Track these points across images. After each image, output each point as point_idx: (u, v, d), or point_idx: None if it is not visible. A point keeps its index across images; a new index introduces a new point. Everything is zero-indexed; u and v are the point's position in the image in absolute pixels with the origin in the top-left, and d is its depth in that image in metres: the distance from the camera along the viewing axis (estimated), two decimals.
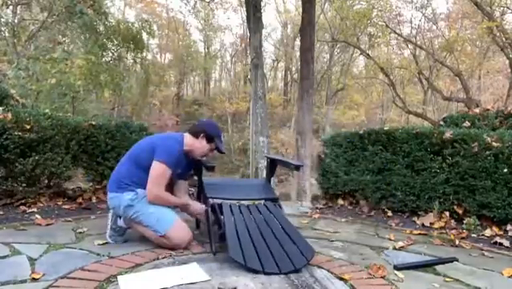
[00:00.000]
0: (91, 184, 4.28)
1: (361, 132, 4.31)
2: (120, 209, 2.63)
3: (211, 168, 2.88)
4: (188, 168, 2.91)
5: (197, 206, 2.85)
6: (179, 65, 22.81)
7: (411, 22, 17.95)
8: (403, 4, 17.71)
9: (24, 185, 3.68)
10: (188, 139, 2.75)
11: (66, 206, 3.64)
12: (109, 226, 2.70)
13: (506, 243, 3.03)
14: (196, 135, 2.75)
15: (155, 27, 15.81)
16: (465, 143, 3.57)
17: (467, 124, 4.31)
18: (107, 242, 2.65)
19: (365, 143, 4.21)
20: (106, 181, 4.15)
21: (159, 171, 2.56)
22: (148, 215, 2.57)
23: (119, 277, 2.10)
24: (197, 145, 2.75)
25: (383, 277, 2.25)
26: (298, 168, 3.09)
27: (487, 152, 3.43)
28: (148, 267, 2.25)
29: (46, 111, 4.10)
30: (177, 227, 2.56)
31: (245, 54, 22.96)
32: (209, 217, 2.70)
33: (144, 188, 2.59)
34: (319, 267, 2.36)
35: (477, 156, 3.48)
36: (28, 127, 3.47)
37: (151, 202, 2.59)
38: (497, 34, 12.54)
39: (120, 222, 2.69)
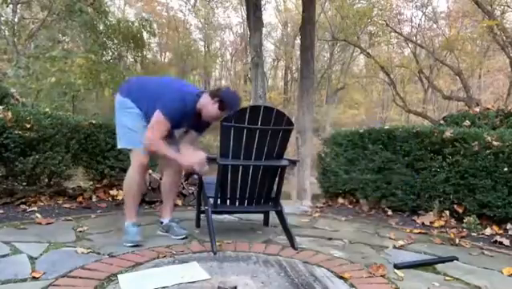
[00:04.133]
0: (91, 183, 4.28)
1: (361, 130, 4.31)
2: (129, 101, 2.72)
3: (213, 160, 2.72)
4: (197, 124, 2.85)
5: (192, 157, 2.69)
6: (179, 64, 22.82)
7: (411, 21, 17.96)
8: (403, 3, 17.68)
9: (24, 183, 3.68)
10: (204, 98, 2.69)
11: (66, 205, 3.65)
12: (127, 230, 2.67)
13: (506, 242, 3.04)
14: (213, 96, 2.67)
15: (155, 26, 15.78)
16: (465, 142, 3.57)
17: (467, 123, 4.31)
18: (107, 241, 2.65)
19: (365, 142, 4.21)
20: (106, 179, 4.17)
21: (157, 117, 2.58)
22: (128, 129, 2.72)
23: (119, 276, 2.10)
24: (209, 108, 2.67)
25: (383, 276, 2.25)
26: (294, 163, 3.07)
27: (487, 151, 3.43)
28: (149, 266, 2.25)
29: (47, 110, 4.11)
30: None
31: (245, 53, 22.96)
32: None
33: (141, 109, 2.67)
34: (319, 266, 2.36)
35: (478, 156, 3.48)
36: (28, 126, 3.47)
37: (146, 148, 2.63)
38: (498, 32, 12.53)
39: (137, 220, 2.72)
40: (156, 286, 1.97)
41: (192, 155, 2.68)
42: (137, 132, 2.65)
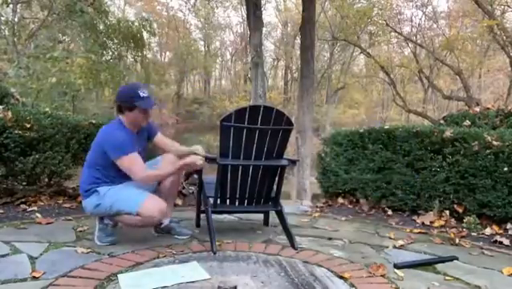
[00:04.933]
0: None
1: (361, 130, 4.31)
2: (95, 212, 2.60)
3: (212, 160, 2.71)
4: (149, 132, 2.80)
5: (188, 160, 2.64)
6: (179, 64, 22.85)
7: (411, 21, 17.97)
8: (403, 2, 17.69)
9: (24, 183, 3.68)
10: (122, 117, 2.62)
11: (66, 205, 3.64)
12: (96, 228, 2.65)
13: (506, 242, 3.04)
14: (120, 111, 2.61)
15: (155, 26, 15.78)
16: (465, 142, 3.57)
17: (467, 122, 4.31)
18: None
19: (365, 142, 4.21)
20: None
21: (124, 164, 2.49)
22: (119, 202, 2.52)
23: (119, 275, 2.10)
24: (131, 118, 2.60)
25: (383, 275, 2.25)
26: (294, 162, 3.06)
27: (487, 151, 3.43)
28: (149, 266, 2.26)
29: (47, 109, 4.10)
30: (149, 200, 2.50)
31: (245, 53, 22.97)
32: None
33: (109, 180, 2.56)
34: (319, 266, 2.37)
35: (478, 155, 3.48)
36: (28, 126, 3.46)
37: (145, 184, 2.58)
38: (498, 32, 12.54)
39: (106, 220, 2.64)
40: (155, 285, 1.97)
41: (190, 158, 2.66)
42: (127, 190, 2.56)
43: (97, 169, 2.58)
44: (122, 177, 2.56)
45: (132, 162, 2.51)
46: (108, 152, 2.51)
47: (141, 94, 2.55)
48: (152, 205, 2.48)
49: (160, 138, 2.87)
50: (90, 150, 2.69)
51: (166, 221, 2.84)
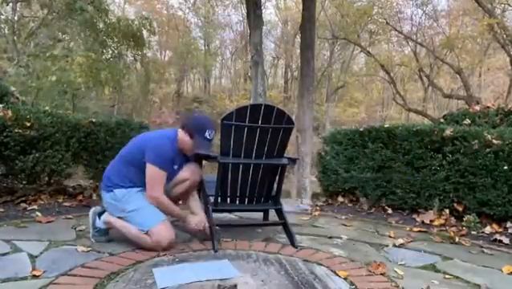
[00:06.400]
0: (91, 181, 4.29)
1: (361, 129, 4.31)
2: (108, 207, 2.62)
3: (213, 159, 2.70)
4: (187, 159, 2.78)
5: (196, 219, 2.67)
6: (179, 62, 22.80)
7: (411, 20, 17.93)
8: (403, 1, 17.65)
9: (24, 182, 3.68)
10: (179, 133, 2.62)
11: (66, 204, 3.65)
12: (91, 226, 2.65)
13: (506, 240, 3.04)
14: (182, 128, 2.61)
15: (155, 24, 15.76)
16: (465, 140, 3.57)
17: (467, 121, 4.31)
18: (107, 240, 2.65)
19: (365, 140, 4.21)
20: None
21: (150, 173, 2.49)
22: (136, 212, 2.49)
23: (153, 269, 2.15)
24: (184, 141, 2.60)
25: (382, 274, 2.26)
26: (294, 161, 3.06)
27: (487, 150, 3.43)
28: (149, 264, 2.26)
29: (47, 108, 4.10)
30: (164, 225, 2.48)
31: (245, 52, 22.93)
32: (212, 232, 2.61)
33: (136, 184, 2.56)
34: (319, 264, 2.37)
35: (478, 154, 3.48)
36: (28, 124, 3.46)
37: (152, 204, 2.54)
38: (498, 31, 12.53)
39: (99, 224, 2.63)
40: (190, 280, 2.03)
41: (195, 218, 2.67)
42: (149, 206, 2.53)
43: (135, 168, 2.55)
44: (143, 186, 2.55)
45: (156, 177, 2.51)
46: (146, 153, 2.50)
47: (207, 135, 2.56)
48: (164, 232, 2.47)
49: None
50: (128, 146, 2.68)
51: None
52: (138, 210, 2.50)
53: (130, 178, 2.58)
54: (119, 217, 2.57)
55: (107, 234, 2.66)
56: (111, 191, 2.58)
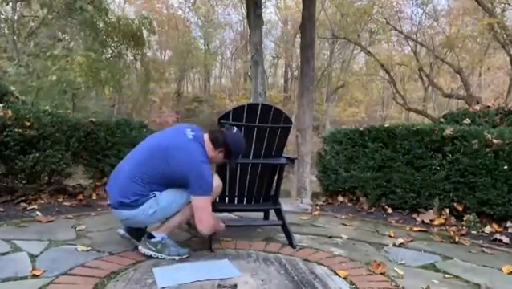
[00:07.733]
0: (91, 181, 4.29)
1: (361, 128, 4.31)
2: (148, 221, 2.36)
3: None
4: None
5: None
6: (179, 62, 22.78)
7: (411, 19, 17.93)
8: (403, 1, 17.66)
9: (24, 181, 3.68)
10: (208, 147, 2.40)
11: (66, 203, 3.65)
12: (160, 254, 2.36)
13: (506, 240, 3.04)
14: (216, 146, 2.40)
15: (155, 24, 15.75)
16: (465, 140, 3.57)
17: (467, 121, 4.31)
18: (107, 239, 2.65)
19: (365, 140, 4.21)
20: (106, 178, 4.16)
21: (202, 204, 2.29)
22: (177, 198, 2.34)
23: (154, 269, 2.15)
24: (215, 155, 2.43)
25: (382, 273, 2.26)
26: (292, 161, 3.06)
27: (487, 150, 3.43)
28: (149, 264, 2.26)
29: (47, 108, 4.10)
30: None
31: (245, 51, 22.91)
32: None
33: (158, 190, 2.33)
34: (319, 264, 2.37)
35: (478, 154, 3.48)
36: (28, 124, 3.46)
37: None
38: (498, 30, 12.53)
39: (122, 231, 2.50)
40: (190, 279, 2.03)
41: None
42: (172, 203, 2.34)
43: (147, 183, 2.30)
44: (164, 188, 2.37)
45: (207, 206, 2.32)
46: (191, 184, 2.26)
47: (239, 156, 2.51)
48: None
49: None
50: (148, 160, 2.32)
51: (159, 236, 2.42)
52: (176, 196, 2.33)
53: (153, 188, 2.33)
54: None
55: (174, 240, 2.45)
56: (137, 207, 2.29)
